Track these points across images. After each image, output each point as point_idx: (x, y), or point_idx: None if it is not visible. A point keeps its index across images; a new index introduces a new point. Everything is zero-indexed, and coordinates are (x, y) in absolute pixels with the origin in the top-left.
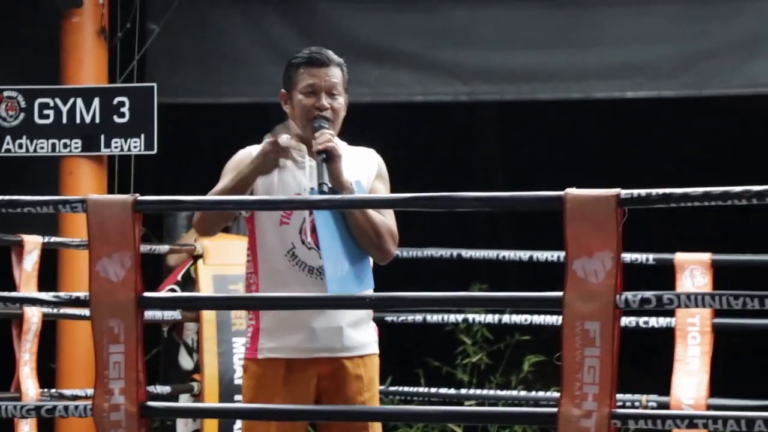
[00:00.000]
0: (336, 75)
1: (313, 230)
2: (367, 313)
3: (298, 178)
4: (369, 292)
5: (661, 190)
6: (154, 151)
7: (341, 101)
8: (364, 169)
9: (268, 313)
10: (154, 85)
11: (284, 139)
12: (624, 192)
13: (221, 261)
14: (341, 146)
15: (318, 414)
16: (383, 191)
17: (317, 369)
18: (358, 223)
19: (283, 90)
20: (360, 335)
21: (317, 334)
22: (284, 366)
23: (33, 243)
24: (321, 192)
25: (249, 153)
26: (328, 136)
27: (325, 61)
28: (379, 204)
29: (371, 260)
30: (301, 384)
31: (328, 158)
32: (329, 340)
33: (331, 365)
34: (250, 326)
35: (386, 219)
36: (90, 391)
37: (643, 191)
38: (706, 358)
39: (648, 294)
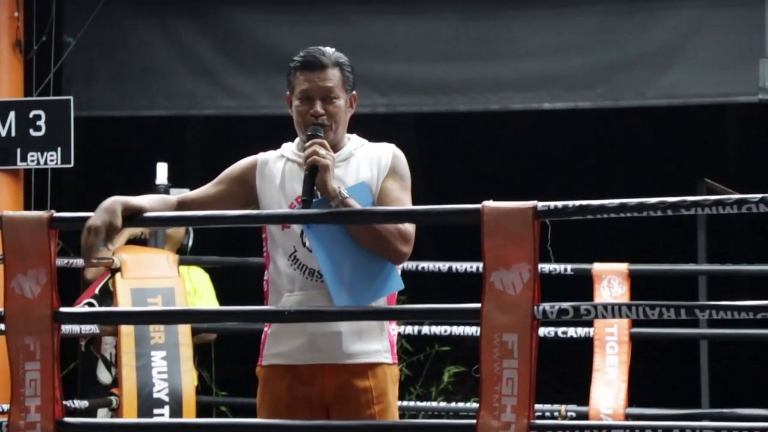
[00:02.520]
0: (332, 77)
1: None
2: (377, 321)
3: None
4: (385, 299)
5: (577, 202)
6: (71, 165)
7: (339, 103)
8: (374, 168)
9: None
10: (71, 98)
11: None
12: (541, 204)
13: (139, 274)
14: (354, 145)
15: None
16: (396, 189)
17: (323, 379)
18: (356, 230)
19: (287, 92)
20: (365, 343)
21: (315, 340)
22: (289, 373)
23: None
24: (305, 206)
25: (251, 160)
26: (315, 149)
27: (319, 64)
28: (299, 219)
29: (389, 264)
30: (307, 392)
31: (314, 171)
32: (328, 345)
33: (336, 375)
34: (264, 332)
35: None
36: (6, 407)
37: (559, 203)
38: (624, 367)
39: (565, 305)
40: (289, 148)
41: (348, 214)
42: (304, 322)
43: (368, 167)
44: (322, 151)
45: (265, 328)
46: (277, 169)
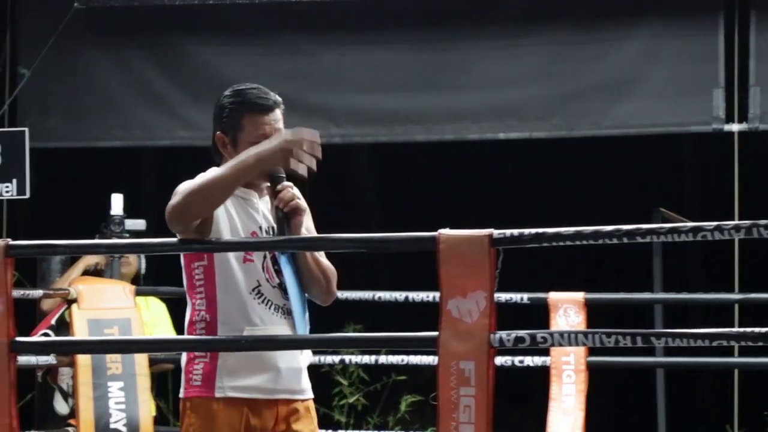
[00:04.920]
0: (280, 117)
1: (277, 271)
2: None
3: (253, 217)
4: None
5: (533, 230)
6: (27, 196)
7: None
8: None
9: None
10: (26, 129)
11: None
12: (496, 232)
13: (96, 305)
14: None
15: None
16: (311, 225)
17: (276, 411)
18: (311, 270)
19: (219, 133)
20: (307, 380)
21: (282, 375)
22: (245, 407)
23: None
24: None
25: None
26: (292, 193)
27: (271, 106)
28: (252, 246)
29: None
30: (260, 426)
31: (292, 215)
32: (291, 381)
33: (287, 408)
34: (200, 362)
35: (328, 262)
36: None
37: (515, 231)
38: (581, 396)
39: (522, 333)
40: None
41: (314, 240)
42: (271, 357)
43: None
44: (299, 194)
45: (205, 359)
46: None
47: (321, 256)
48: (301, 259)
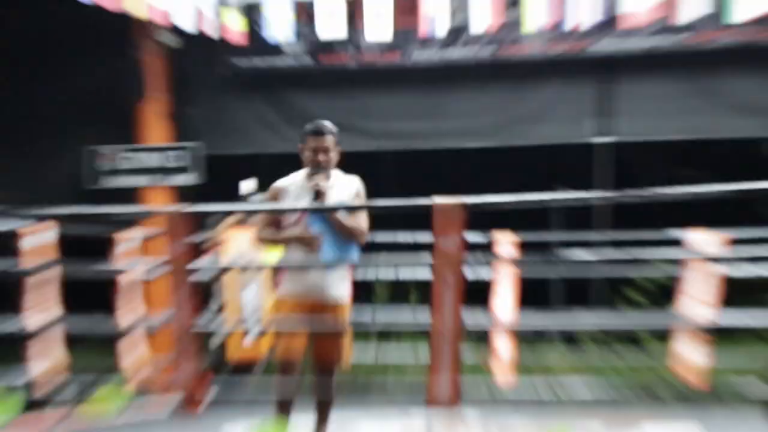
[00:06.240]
0: (329, 140)
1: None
2: (345, 275)
3: (306, 198)
4: (352, 260)
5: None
6: (203, 182)
7: (332, 155)
8: (348, 191)
9: (286, 272)
10: (202, 143)
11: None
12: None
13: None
14: (336, 176)
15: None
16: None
17: (311, 308)
18: (337, 227)
19: (300, 144)
20: (337, 289)
21: (311, 285)
22: (292, 302)
23: None
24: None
25: (278, 186)
26: (318, 182)
27: (322, 132)
28: (317, 211)
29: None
30: (302, 315)
31: (318, 195)
32: (318, 290)
33: (320, 307)
34: (281, 277)
35: (358, 221)
36: None
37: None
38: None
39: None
40: (300, 175)
41: (348, 208)
42: (305, 275)
43: (345, 191)
44: (323, 183)
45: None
46: (291, 189)
47: (350, 220)
48: (330, 221)
